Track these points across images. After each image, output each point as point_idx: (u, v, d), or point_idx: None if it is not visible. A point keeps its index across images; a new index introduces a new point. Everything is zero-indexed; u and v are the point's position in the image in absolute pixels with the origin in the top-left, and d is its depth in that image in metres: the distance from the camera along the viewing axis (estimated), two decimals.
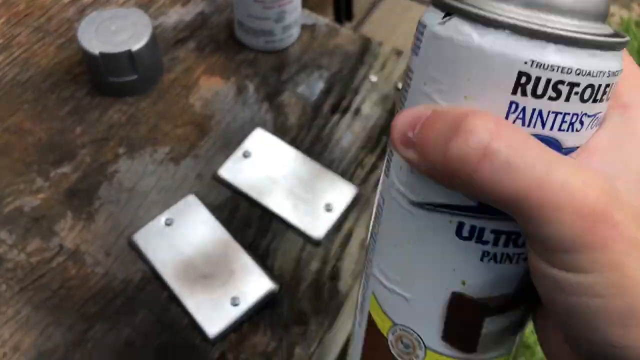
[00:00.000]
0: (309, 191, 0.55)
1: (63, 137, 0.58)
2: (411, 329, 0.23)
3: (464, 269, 0.21)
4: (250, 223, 0.54)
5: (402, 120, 0.19)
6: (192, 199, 0.54)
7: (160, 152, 0.57)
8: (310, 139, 0.59)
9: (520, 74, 0.17)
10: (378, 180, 0.57)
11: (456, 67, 0.18)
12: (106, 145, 0.58)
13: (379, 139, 0.59)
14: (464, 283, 0.21)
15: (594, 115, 0.19)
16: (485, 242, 0.20)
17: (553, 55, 0.17)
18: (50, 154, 0.57)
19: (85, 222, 0.53)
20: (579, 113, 0.18)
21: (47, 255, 0.51)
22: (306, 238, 0.53)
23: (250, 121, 0.60)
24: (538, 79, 0.17)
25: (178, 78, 0.63)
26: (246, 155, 0.56)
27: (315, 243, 0.52)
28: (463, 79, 0.18)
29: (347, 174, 0.57)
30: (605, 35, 0.19)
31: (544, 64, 0.17)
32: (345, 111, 0.61)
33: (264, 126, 0.59)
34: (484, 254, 0.20)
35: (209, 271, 0.50)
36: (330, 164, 0.57)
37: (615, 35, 0.19)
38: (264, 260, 0.51)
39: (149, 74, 0.61)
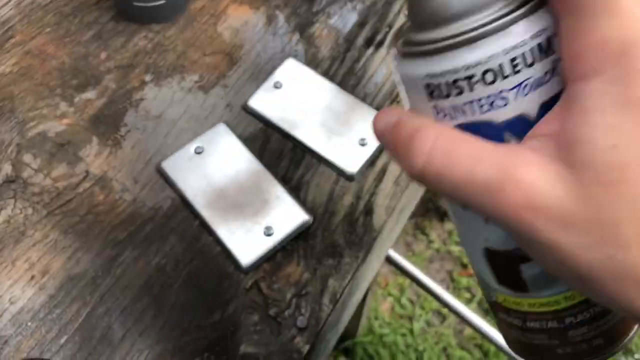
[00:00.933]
0: (343, 124, 0.53)
1: (87, 62, 0.56)
2: (482, 279, 0.26)
3: (480, 230, 0.24)
4: (282, 155, 0.52)
5: (380, 120, 0.22)
6: (222, 128, 0.52)
7: (189, 80, 0.55)
8: (343, 72, 0.57)
9: (427, 86, 0.21)
10: None
11: (399, 87, 0.23)
12: (132, 71, 0.56)
13: None
14: (486, 240, 0.24)
15: (519, 84, 0.20)
16: None
17: (437, 66, 0.20)
18: (74, 79, 0.55)
19: (111, 149, 0.51)
20: (494, 93, 0.20)
21: (73, 181, 0.50)
22: (340, 172, 0.51)
23: (280, 52, 0.57)
24: (438, 85, 0.21)
25: (206, 6, 0.60)
26: (277, 86, 0.54)
27: (349, 177, 0.51)
28: (403, 94, 0.23)
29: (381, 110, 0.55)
30: (489, 22, 0.20)
31: (435, 74, 0.21)
32: (379, 45, 0.59)
33: (295, 58, 0.57)
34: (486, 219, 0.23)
35: (241, 200, 0.48)
36: (363, 99, 0.55)
37: (506, 14, 0.20)
38: (296, 192, 0.50)
39: (176, 0, 0.58)
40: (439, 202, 1.54)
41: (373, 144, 0.52)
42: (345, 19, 0.60)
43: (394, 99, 0.56)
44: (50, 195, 0.49)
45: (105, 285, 0.45)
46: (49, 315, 0.44)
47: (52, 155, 0.51)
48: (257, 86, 0.55)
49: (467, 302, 1.40)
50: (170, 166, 0.50)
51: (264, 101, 0.54)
